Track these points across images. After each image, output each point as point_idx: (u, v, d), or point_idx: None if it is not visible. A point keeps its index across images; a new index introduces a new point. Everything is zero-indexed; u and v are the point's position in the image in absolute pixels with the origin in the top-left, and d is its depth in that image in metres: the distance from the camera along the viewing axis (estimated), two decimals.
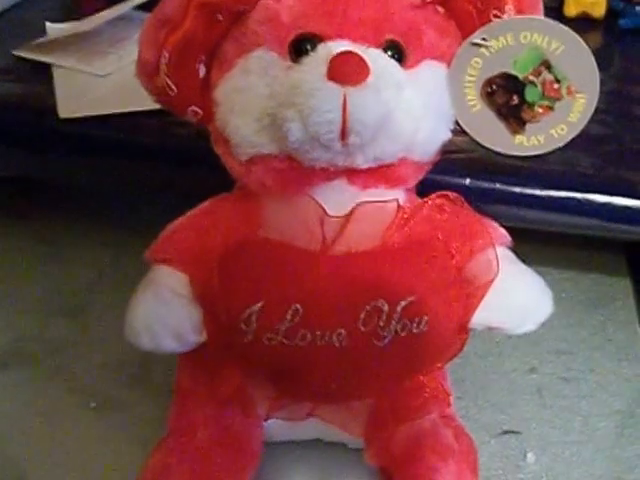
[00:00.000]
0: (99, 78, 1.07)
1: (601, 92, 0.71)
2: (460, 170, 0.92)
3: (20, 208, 1.23)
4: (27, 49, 1.12)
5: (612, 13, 1.30)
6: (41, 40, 1.13)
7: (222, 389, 0.76)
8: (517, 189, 0.92)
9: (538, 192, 0.91)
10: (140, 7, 1.16)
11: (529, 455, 0.88)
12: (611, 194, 0.91)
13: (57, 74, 1.07)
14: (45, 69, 1.08)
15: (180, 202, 0.75)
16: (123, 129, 0.98)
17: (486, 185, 0.92)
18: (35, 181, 1.18)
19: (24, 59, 1.11)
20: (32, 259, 1.14)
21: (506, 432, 0.90)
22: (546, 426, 0.92)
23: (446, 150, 0.73)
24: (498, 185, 0.92)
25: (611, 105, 1.02)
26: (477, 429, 0.88)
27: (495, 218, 0.75)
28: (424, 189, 0.74)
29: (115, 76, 1.07)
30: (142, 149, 0.98)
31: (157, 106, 0.74)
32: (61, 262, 1.13)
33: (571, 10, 1.27)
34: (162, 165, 0.99)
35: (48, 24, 1.21)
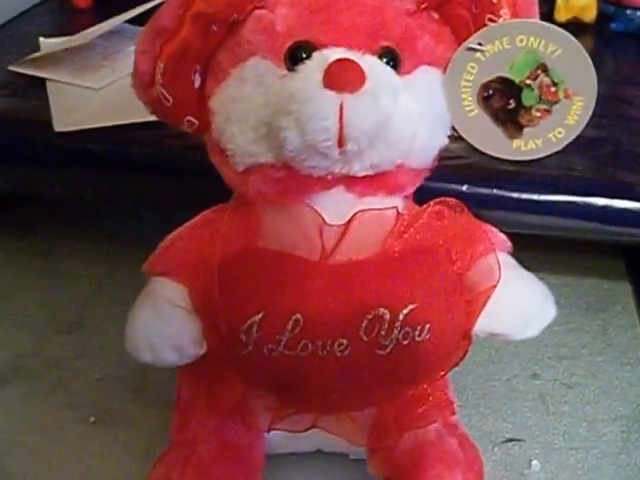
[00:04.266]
0: (93, 91, 1.07)
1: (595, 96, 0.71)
2: (457, 177, 0.91)
3: (15, 223, 1.22)
4: (21, 64, 1.12)
5: (603, 17, 1.31)
6: (35, 55, 1.14)
7: (223, 401, 0.75)
8: (515, 194, 0.92)
9: (536, 197, 0.91)
10: (132, 20, 1.16)
11: (534, 463, 0.87)
12: (609, 197, 0.91)
13: (51, 88, 1.07)
14: (40, 84, 1.09)
15: (177, 213, 0.75)
16: (118, 141, 0.98)
17: (484, 191, 0.92)
18: (30, 196, 1.18)
19: (19, 74, 1.11)
20: (28, 274, 1.14)
21: (510, 440, 0.90)
22: (550, 433, 0.91)
23: (443, 157, 0.73)
24: (495, 191, 0.92)
25: (606, 108, 1.01)
26: (480, 437, 0.88)
27: (493, 224, 0.75)
28: (422, 196, 0.73)
29: (109, 89, 1.07)
30: (138, 161, 0.98)
31: (152, 118, 0.74)
32: (58, 277, 1.13)
33: (562, 15, 1.28)
34: (157, 177, 0.99)
35: (42, 39, 1.22)
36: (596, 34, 1.30)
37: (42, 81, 1.09)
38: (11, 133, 1.02)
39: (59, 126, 0.98)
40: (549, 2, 1.29)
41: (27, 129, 1.01)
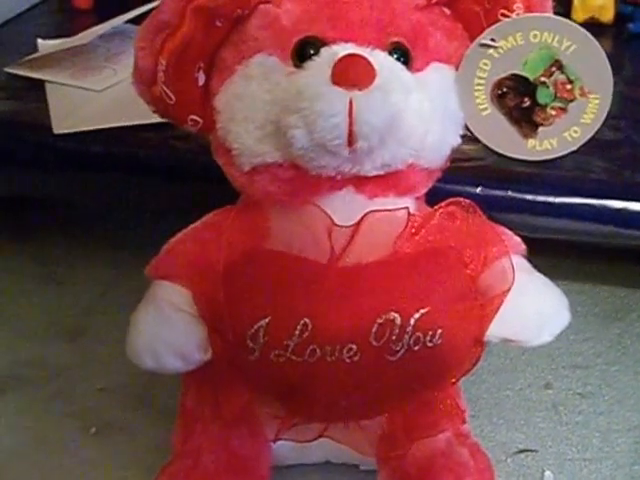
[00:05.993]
0: (93, 93, 1.06)
1: (613, 96, 0.69)
2: (471, 179, 0.90)
3: (16, 229, 1.21)
4: (20, 66, 1.12)
5: (621, 17, 1.30)
6: (34, 56, 1.13)
7: (228, 410, 0.73)
8: (530, 196, 0.90)
9: (551, 199, 0.90)
10: (134, 20, 1.15)
11: (547, 474, 0.85)
12: (626, 199, 0.89)
13: (50, 90, 1.07)
14: (38, 86, 1.08)
15: (181, 217, 0.74)
16: (119, 144, 0.97)
17: (498, 193, 0.90)
18: (31, 201, 1.17)
19: (17, 76, 1.10)
20: (29, 281, 1.12)
21: (522, 451, 0.88)
22: (563, 443, 0.89)
23: (456, 158, 0.72)
24: (510, 193, 0.90)
25: (623, 109, 1.01)
26: (493, 448, 0.86)
27: (508, 227, 0.74)
28: (434, 198, 0.72)
29: (111, 91, 1.06)
30: (140, 164, 0.97)
31: (155, 120, 0.73)
32: (59, 284, 1.12)
33: (579, 15, 1.27)
34: (160, 180, 0.97)
35: (40, 41, 1.22)
36: (614, 35, 1.29)
37: (41, 83, 1.08)
38: (9, 136, 1.01)
39: (58, 128, 0.97)
40: (566, 2, 1.28)
41: (26, 132, 1.00)
